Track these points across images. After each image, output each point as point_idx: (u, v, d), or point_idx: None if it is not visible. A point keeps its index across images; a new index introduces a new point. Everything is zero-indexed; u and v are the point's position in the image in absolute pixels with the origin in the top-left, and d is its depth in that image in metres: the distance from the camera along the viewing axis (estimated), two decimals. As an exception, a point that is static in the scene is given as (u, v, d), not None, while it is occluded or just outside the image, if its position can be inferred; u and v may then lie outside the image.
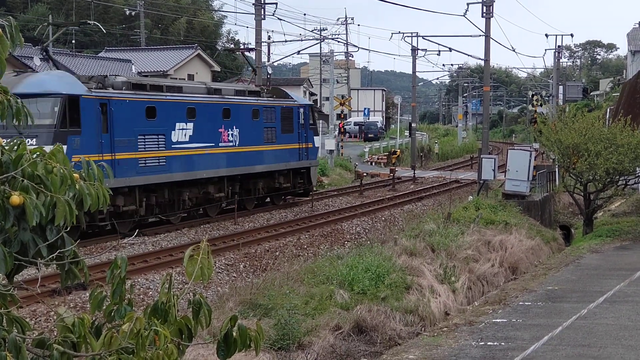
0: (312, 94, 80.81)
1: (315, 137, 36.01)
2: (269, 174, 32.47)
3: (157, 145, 25.90)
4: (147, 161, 25.41)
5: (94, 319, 4.01)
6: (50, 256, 3.94)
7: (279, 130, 32.99)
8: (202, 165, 28.05)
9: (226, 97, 30.12)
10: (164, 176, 26.16)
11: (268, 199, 33.66)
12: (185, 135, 27.21)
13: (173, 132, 26.63)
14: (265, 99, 32.89)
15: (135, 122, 24.97)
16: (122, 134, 24.33)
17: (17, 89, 21.13)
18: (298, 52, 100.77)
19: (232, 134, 29.81)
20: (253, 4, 43.72)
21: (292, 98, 35.29)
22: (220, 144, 29.04)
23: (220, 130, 29.14)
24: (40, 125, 21.49)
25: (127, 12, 74.52)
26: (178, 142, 26.78)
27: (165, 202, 26.68)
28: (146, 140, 25.44)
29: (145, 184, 25.32)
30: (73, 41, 70.19)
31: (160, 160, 26.00)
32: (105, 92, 24.32)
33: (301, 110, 34.89)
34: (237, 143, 29.99)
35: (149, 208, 25.95)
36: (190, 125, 27.40)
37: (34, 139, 20.88)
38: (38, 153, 3.94)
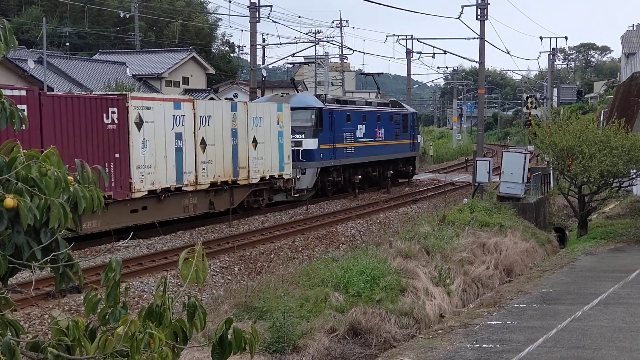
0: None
1: (418, 135, 51.22)
2: (395, 160, 45.98)
3: (351, 139, 40.17)
4: (346, 149, 39.62)
5: (88, 322, 4.00)
6: (45, 259, 3.94)
7: (400, 130, 46.89)
8: (368, 153, 42.09)
9: (376, 107, 44.61)
10: (353, 159, 40.32)
11: (376, 181, 44.56)
12: (361, 133, 41.42)
13: (357, 130, 40.89)
14: (394, 108, 47.31)
15: (342, 124, 39.19)
16: (338, 132, 38.48)
17: (291, 104, 35.04)
18: (293, 55, 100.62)
19: (380, 132, 43.85)
20: (248, 7, 43.73)
21: (405, 107, 49.98)
22: (375, 139, 43.12)
23: (375, 129, 43.14)
24: (305, 126, 36.27)
25: (122, 15, 74.45)
26: (359, 138, 41.00)
27: (349, 177, 40.29)
28: (346, 136, 39.56)
29: (345, 164, 39.61)
30: (67, 44, 70.18)
31: (352, 149, 40.21)
32: (329, 105, 38.54)
33: (410, 115, 49.33)
34: (383, 138, 44.10)
35: (345, 180, 39.85)
36: (363, 126, 41.64)
37: (302, 135, 35.95)
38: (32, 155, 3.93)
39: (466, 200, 33.09)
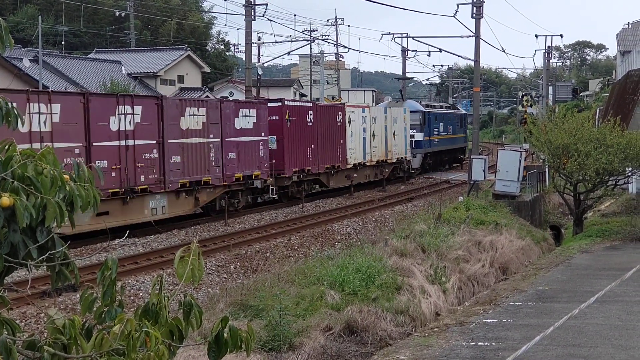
0: (302, 95, 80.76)
1: (467, 130, 69.08)
2: (456, 149, 63.21)
3: (437, 133, 56.03)
4: (434, 140, 55.23)
5: (84, 320, 4.00)
6: (41, 258, 3.94)
7: (459, 126, 64.37)
8: (445, 143, 59.03)
9: (447, 110, 64.09)
10: (438, 148, 56.60)
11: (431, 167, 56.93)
12: (442, 129, 57.84)
13: (439, 127, 57.00)
14: (454, 110, 67.07)
15: (432, 123, 54.73)
16: (430, 127, 53.83)
17: (404, 107, 50.46)
18: (288, 53, 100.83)
19: (450, 128, 60.75)
20: (243, 5, 43.66)
21: (459, 109, 71.95)
22: (448, 133, 59.74)
23: (448, 126, 60.12)
24: (416, 124, 50.66)
25: (117, 14, 74.41)
26: (440, 132, 57.21)
27: (435, 161, 56.59)
28: (434, 131, 55.16)
29: (434, 151, 55.79)
30: (63, 42, 70.06)
31: (437, 140, 56.06)
32: (426, 109, 54.67)
33: (463, 115, 68.86)
34: (451, 133, 60.85)
35: (430, 164, 54.61)
36: (442, 124, 58.15)
37: (414, 130, 50.27)
38: (28, 154, 3.93)
39: (462, 198, 33.10)
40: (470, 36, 44.29)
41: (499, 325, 14.98)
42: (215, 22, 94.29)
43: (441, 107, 64.15)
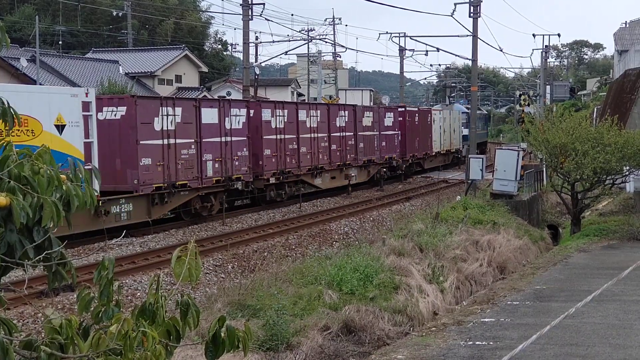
0: (300, 95, 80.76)
1: (488, 127, 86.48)
2: (484, 142, 74.57)
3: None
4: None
5: (81, 320, 3.99)
6: (38, 257, 3.93)
7: (483, 123, 75.94)
8: (479, 138, 63.70)
9: (477, 111, 59.88)
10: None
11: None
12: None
13: (463, 128, 65.93)
14: (480, 111, 72.58)
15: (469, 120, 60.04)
16: (470, 125, 51.89)
17: (457, 109, 69.78)
18: (286, 53, 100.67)
19: (480, 125, 68.12)
20: (240, 5, 43.69)
21: (482, 110, 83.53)
22: (479, 130, 65.40)
23: (479, 124, 64.55)
24: (463, 122, 64.81)
25: (114, 13, 74.33)
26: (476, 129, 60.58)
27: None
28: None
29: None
30: (60, 42, 69.99)
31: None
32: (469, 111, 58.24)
33: (486, 115, 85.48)
34: (480, 129, 66.16)
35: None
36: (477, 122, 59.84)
37: (462, 126, 65.45)
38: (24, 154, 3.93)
39: (459, 197, 33.12)
40: (467, 35, 44.32)
41: (497, 324, 14.98)
42: (212, 21, 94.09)
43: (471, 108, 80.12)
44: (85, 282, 13.93)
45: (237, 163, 30.78)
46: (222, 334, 4.01)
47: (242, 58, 46.59)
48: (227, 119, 30.34)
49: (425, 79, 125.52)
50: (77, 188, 4.00)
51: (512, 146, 43.38)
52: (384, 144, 45.18)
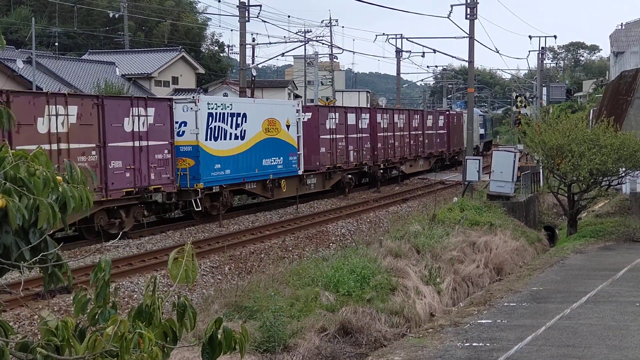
0: (296, 96, 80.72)
1: (493, 128, 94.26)
2: (490, 141, 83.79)
3: (484, 130, 78.60)
4: (487, 135, 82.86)
5: (77, 322, 3.98)
6: (34, 259, 3.92)
7: (487, 125, 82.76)
8: (489, 137, 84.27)
9: (484, 114, 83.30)
10: (485, 140, 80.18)
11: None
12: (484, 127, 79.70)
13: (485, 127, 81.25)
14: (487, 114, 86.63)
15: (486, 122, 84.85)
16: (485, 126, 78.59)
17: (475, 113, 61.62)
18: (282, 54, 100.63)
19: (485, 127, 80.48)
20: (237, 6, 43.70)
21: (481, 113, 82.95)
22: (485, 131, 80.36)
23: (485, 125, 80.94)
24: (480, 123, 77.13)
25: (111, 15, 74.23)
26: (486, 129, 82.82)
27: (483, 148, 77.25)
28: (486, 127, 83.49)
29: (485, 141, 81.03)
30: (56, 44, 69.94)
31: (484, 134, 79.71)
32: (484, 114, 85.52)
33: (491, 117, 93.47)
34: (488, 130, 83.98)
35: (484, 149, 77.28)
36: (484, 124, 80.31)
37: (479, 126, 74.24)
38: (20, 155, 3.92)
39: (456, 199, 33.11)
40: (464, 37, 44.34)
41: (494, 325, 14.98)
42: (209, 23, 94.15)
43: (484, 112, 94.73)
44: (82, 284, 13.92)
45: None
46: (219, 336, 4.00)
47: (238, 60, 46.57)
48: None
49: (422, 80, 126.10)
50: (74, 190, 3.99)
51: (508, 148, 43.39)
52: (437, 140, 57.69)
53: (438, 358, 12.80)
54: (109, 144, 24.75)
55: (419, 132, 52.72)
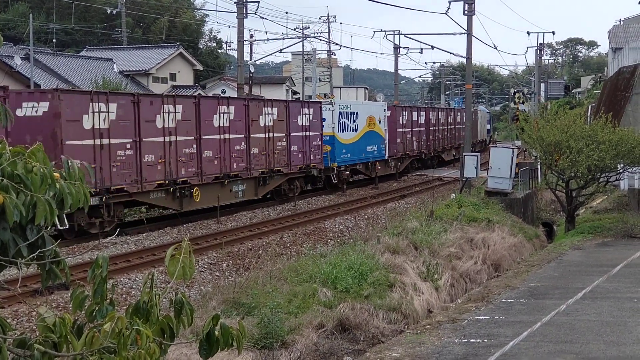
0: (294, 93, 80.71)
1: (492, 124, 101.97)
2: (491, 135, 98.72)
3: (489, 126, 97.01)
4: (491, 130, 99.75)
5: (75, 318, 3.99)
6: (31, 256, 3.92)
7: (488, 122, 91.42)
8: (487, 132, 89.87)
9: (488, 110, 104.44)
10: (490, 134, 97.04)
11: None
12: (487, 124, 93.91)
13: (486, 123, 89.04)
14: (476, 110, 78.19)
15: (487, 119, 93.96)
16: (491, 122, 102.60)
17: (481, 110, 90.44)
18: (280, 51, 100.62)
19: (487, 123, 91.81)
20: (235, 3, 43.64)
21: (480, 109, 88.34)
22: (488, 126, 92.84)
23: (486, 121, 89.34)
24: (487, 119, 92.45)
25: (109, 11, 74.16)
26: (489, 125, 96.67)
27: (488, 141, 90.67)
28: (491, 123, 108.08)
29: (490, 135, 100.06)
30: (54, 40, 69.86)
31: (489, 130, 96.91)
32: (488, 110, 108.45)
33: (484, 113, 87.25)
34: (489, 125, 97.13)
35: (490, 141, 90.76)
36: (486, 121, 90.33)
37: (486, 122, 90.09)
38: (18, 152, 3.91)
39: (454, 195, 33.11)
40: (462, 33, 44.30)
41: (491, 322, 15.00)
42: (207, 19, 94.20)
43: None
44: (80, 280, 13.92)
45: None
46: (216, 332, 4.01)
47: (236, 56, 46.55)
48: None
49: (420, 76, 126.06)
50: (71, 186, 3.99)
51: (506, 144, 43.40)
52: (463, 133, 65.22)
53: (436, 354, 12.82)
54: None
55: (452, 127, 64.87)
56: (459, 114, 67.19)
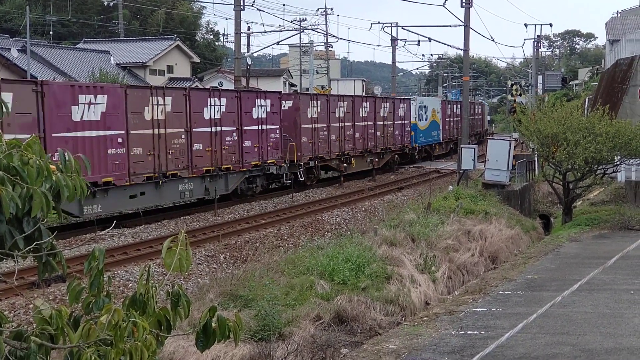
0: (292, 85, 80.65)
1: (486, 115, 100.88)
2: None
3: (489, 117, 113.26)
4: (490, 121, 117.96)
5: (72, 311, 3.99)
6: (28, 248, 3.92)
7: (485, 111, 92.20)
8: (487, 122, 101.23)
9: (485, 101, 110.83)
10: (489, 124, 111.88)
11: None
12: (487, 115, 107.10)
13: (486, 115, 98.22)
14: (481, 103, 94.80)
15: (487, 112, 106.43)
16: (489, 113, 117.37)
17: (483, 103, 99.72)
18: (277, 43, 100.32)
19: (489, 113, 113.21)
20: (232, -5, 43.56)
21: (484, 102, 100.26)
22: (484, 117, 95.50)
23: (481, 112, 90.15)
24: (487, 112, 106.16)
25: (105, 3, 74.09)
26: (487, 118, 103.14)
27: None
28: (489, 115, 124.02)
29: (489, 126, 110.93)
30: (51, 32, 69.75)
31: (491, 120, 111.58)
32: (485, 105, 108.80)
33: (485, 106, 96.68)
34: (488, 118, 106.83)
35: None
36: (487, 115, 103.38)
37: (487, 114, 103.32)
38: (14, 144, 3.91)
39: (451, 187, 33.12)
40: (459, 25, 44.29)
41: (489, 314, 15.02)
42: (204, 11, 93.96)
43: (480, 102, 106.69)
44: (76, 272, 13.92)
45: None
46: (213, 324, 4.01)
47: (233, 48, 46.53)
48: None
49: (418, 69, 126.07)
50: (67, 178, 3.98)
51: (504, 136, 43.41)
52: (478, 122, 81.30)
53: (433, 346, 12.83)
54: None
55: (472, 117, 73.64)
56: (473, 106, 78.91)
